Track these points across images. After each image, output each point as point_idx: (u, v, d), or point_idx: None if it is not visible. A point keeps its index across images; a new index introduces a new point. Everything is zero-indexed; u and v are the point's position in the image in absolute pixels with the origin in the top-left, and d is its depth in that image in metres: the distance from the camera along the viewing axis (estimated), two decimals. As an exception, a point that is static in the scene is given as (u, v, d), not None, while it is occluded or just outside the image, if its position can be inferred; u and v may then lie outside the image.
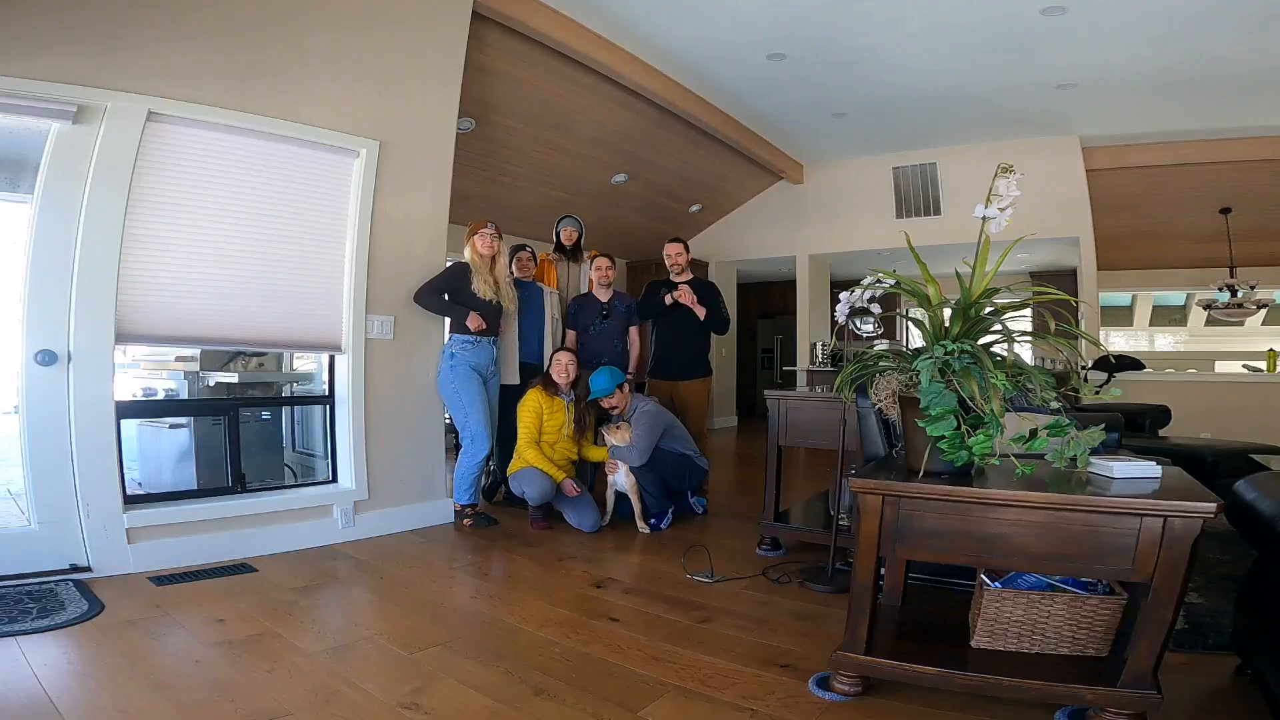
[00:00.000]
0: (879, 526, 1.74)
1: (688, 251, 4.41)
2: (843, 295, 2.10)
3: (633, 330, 4.41)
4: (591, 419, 3.91)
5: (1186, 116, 5.84)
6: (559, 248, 4.59)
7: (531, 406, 3.72)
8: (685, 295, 4.26)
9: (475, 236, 3.75)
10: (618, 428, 3.73)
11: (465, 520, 3.72)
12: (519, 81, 4.94)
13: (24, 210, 2.66)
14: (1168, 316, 9.89)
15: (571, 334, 4.32)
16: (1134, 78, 5.14)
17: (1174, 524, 1.51)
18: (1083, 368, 5.42)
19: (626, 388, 3.90)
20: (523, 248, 4.30)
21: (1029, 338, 2.03)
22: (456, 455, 3.85)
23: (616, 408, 3.81)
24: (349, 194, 3.47)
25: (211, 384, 3.79)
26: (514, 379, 4.03)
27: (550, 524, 3.74)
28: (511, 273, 4.17)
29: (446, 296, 3.68)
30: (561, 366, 3.78)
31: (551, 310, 4.27)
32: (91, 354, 2.73)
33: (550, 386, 3.79)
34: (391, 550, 3.28)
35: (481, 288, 3.68)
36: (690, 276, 4.43)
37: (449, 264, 3.79)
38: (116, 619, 2.31)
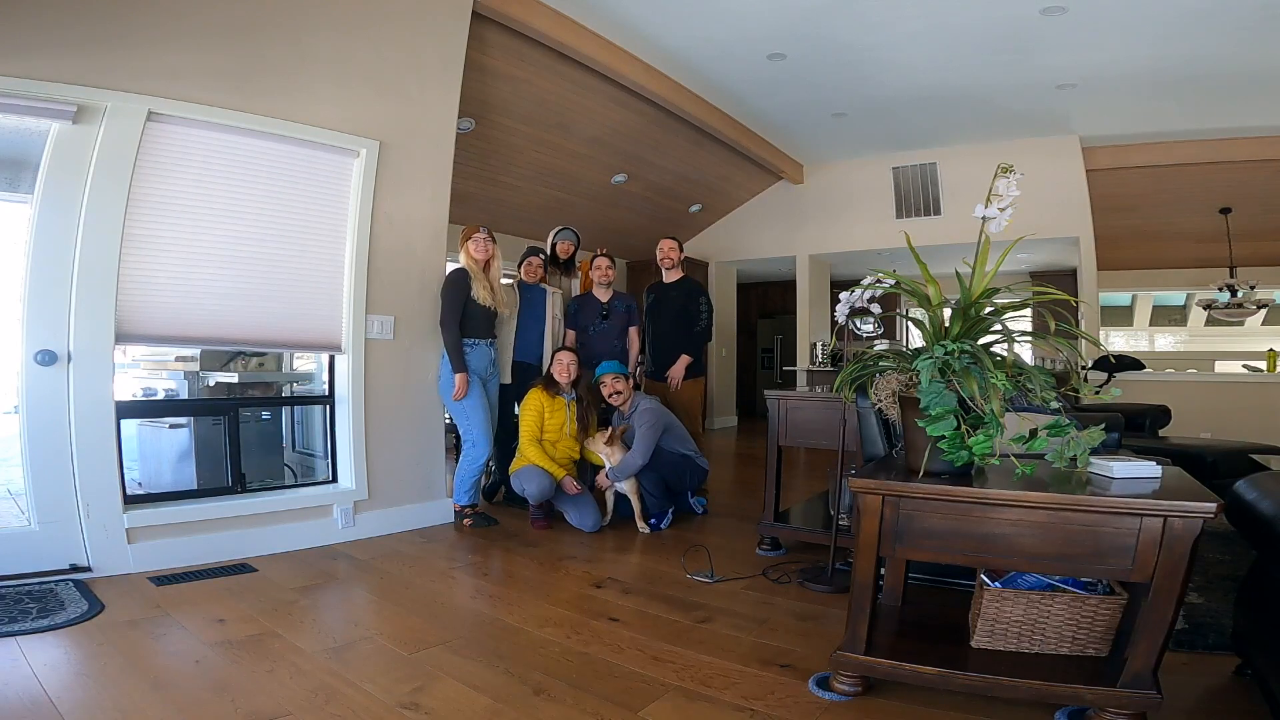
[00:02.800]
0: (879, 526, 1.74)
1: (681, 250, 4.44)
2: (843, 295, 2.10)
3: (632, 330, 4.43)
4: (594, 418, 3.89)
5: (1186, 116, 5.84)
6: (553, 260, 4.53)
7: (533, 406, 3.72)
8: (674, 378, 4.32)
9: (469, 243, 3.75)
10: (608, 440, 3.68)
11: (465, 521, 3.72)
12: (519, 81, 4.94)
13: (24, 210, 2.66)
14: (1168, 316, 9.90)
15: (571, 334, 4.32)
16: (1134, 78, 5.14)
17: (1174, 524, 1.51)
18: (1083, 368, 5.42)
19: (631, 381, 3.91)
20: (536, 252, 4.27)
21: (1029, 338, 2.03)
22: (456, 455, 3.85)
23: (621, 393, 3.82)
24: (349, 194, 3.47)
25: (211, 384, 3.79)
26: (506, 378, 4.06)
27: (550, 523, 3.73)
28: (519, 276, 4.17)
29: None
30: (563, 366, 3.75)
31: (553, 310, 4.27)
32: (91, 354, 2.73)
33: (551, 386, 3.77)
34: (391, 550, 3.28)
35: (481, 294, 3.69)
36: (680, 275, 4.46)
37: (448, 271, 3.78)
38: (116, 619, 2.31)
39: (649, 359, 4.50)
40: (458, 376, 3.59)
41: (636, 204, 7.55)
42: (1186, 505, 1.50)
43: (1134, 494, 1.58)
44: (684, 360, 4.28)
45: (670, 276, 4.44)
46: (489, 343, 3.82)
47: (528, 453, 3.67)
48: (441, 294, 3.68)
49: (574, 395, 3.84)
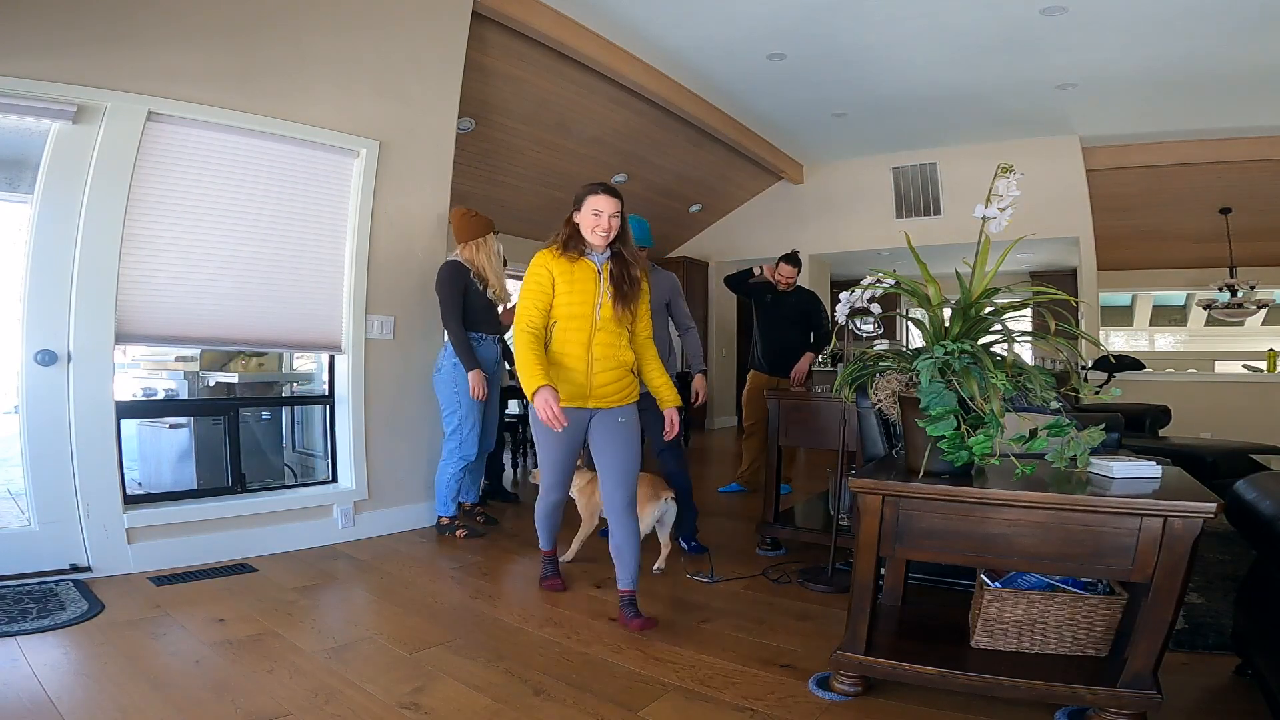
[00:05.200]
0: (879, 526, 1.74)
1: (798, 272, 4.61)
2: (843, 295, 2.10)
3: None
4: (644, 276, 2.46)
5: (1186, 116, 5.84)
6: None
7: (535, 272, 2.34)
8: (769, 272, 4.59)
9: (488, 245, 3.61)
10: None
11: (458, 532, 3.49)
12: (519, 81, 4.94)
13: (24, 210, 2.66)
14: (1168, 316, 9.90)
15: None
16: (1134, 78, 5.14)
17: (1174, 524, 1.51)
18: (1083, 368, 5.42)
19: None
20: None
21: (1029, 338, 2.03)
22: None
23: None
24: (349, 194, 3.47)
25: (211, 384, 3.79)
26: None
27: (565, 582, 2.78)
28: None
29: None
30: (602, 220, 2.30)
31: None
32: (91, 354, 2.73)
33: (574, 243, 2.35)
34: (391, 550, 3.28)
35: (494, 290, 3.60)
36: (795, 285, 4.65)
37: (441, 267, 3.55)
38: (116, 619, 2.31)
39: (761, 355, 4.70)
40: (471, 375, 3.38)
41: (636, 204, 7.52)
42: (1186, 505, 1.50)
43: (1134, 494, 1.58)
44: (809, 357, 4.51)
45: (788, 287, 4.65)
46: (495, 338, 3.68)
47: (519, 357, 2.28)
48: (438, 289, 3.50)
49: (609, 254, 2.39)
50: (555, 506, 2.65)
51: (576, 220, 2.36)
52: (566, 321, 2.32)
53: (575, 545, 3.05)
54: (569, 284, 2.31)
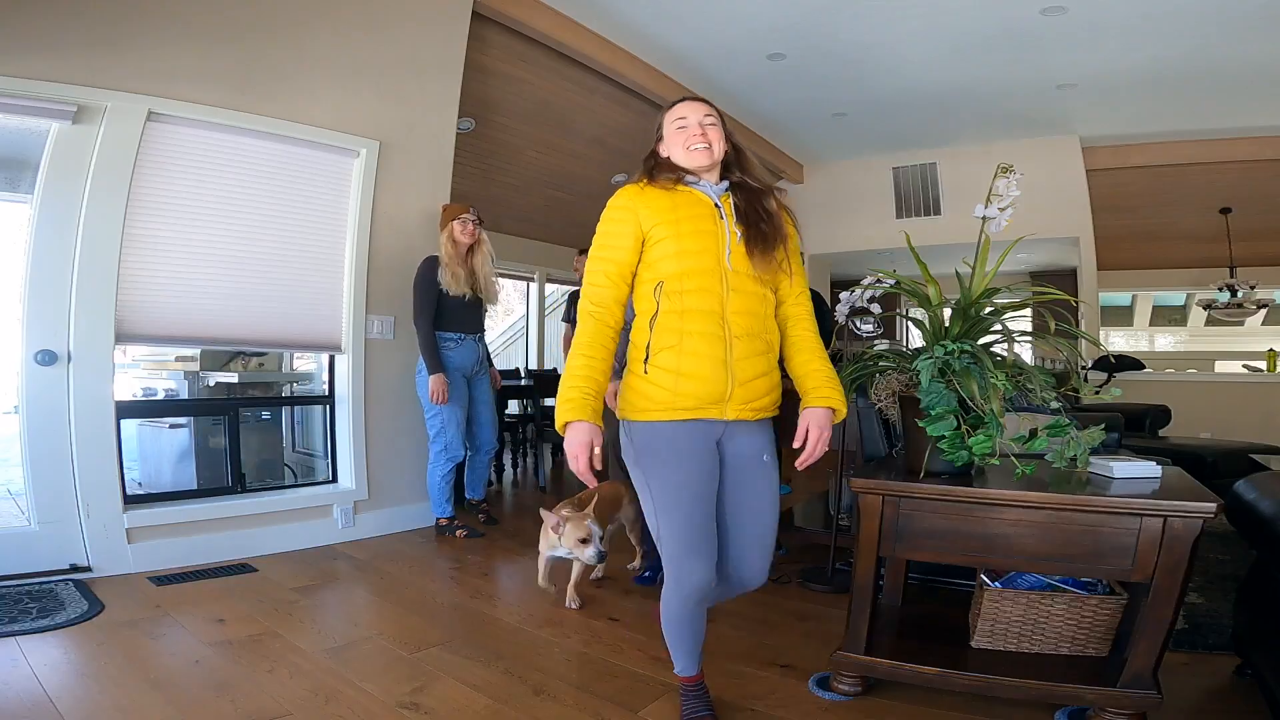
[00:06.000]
0: (879, 526, 1.74)
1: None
2: (843, 295, 2.10)
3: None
4: (787, 214, 1.72)
5: (1186, 116, 5.84)
6: None
7: (612, 213, 1.57)
8: None
9: (455, 223, 3.40)
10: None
11: (458, 532, 3.48)
12: (519, 81, 4.94)
13: (24, 210, 2.67)
14: (1168, 316, 9.89)
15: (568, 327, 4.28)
16: (1134, 78, 5.14)
17: (1174, 524, 1.51)
18: (1083, 368, 5.42)
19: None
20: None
21: (1029, 338, 2.03)
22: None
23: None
24: (349, 194, 3.47)
25: (211, 384, 3.79)
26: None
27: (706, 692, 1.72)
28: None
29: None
30: (690, 127, 1.61)
31: None
32: (91, 354, 2.73)
33: (668, 171, 1.61)
34: (391, 550, 3.28)
35: (449, 281, 3.34)
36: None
37: (421, 263, 3.43)
38: (116, 619, 2.31)
39: None
40: (432, 379, 3.28)
41: (637, 204, 7.54)
42: (1186, 505, 1.50)
43: (1134, 494, 1.58)
44: None
45: None
46: (476, 337, 3.54)
47: (568, 359, 1.52)
48: (413, 286, 3.38)
49: (728, 185, 1.64)
50: (699, 595, 1.52)
51: (662, 152, 1.65)
52: (680, 280, 1.48)
53: (571, 590, 2.58)
54: (674, 224, 1.50)
